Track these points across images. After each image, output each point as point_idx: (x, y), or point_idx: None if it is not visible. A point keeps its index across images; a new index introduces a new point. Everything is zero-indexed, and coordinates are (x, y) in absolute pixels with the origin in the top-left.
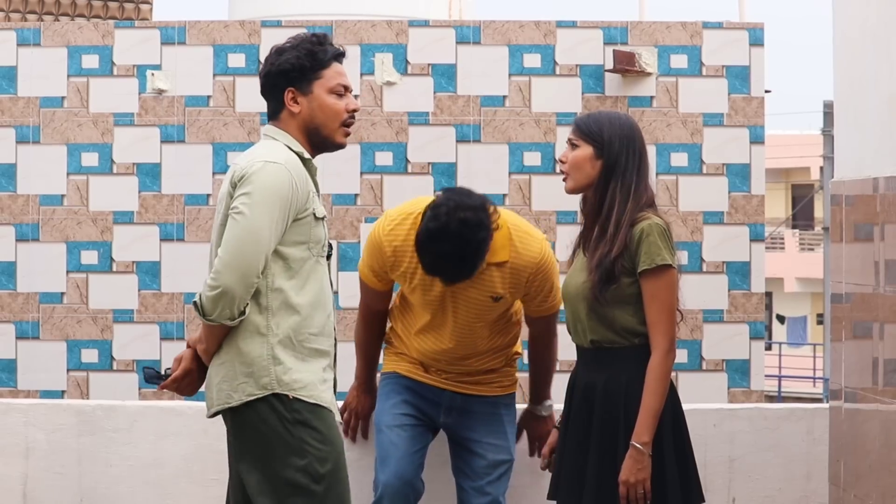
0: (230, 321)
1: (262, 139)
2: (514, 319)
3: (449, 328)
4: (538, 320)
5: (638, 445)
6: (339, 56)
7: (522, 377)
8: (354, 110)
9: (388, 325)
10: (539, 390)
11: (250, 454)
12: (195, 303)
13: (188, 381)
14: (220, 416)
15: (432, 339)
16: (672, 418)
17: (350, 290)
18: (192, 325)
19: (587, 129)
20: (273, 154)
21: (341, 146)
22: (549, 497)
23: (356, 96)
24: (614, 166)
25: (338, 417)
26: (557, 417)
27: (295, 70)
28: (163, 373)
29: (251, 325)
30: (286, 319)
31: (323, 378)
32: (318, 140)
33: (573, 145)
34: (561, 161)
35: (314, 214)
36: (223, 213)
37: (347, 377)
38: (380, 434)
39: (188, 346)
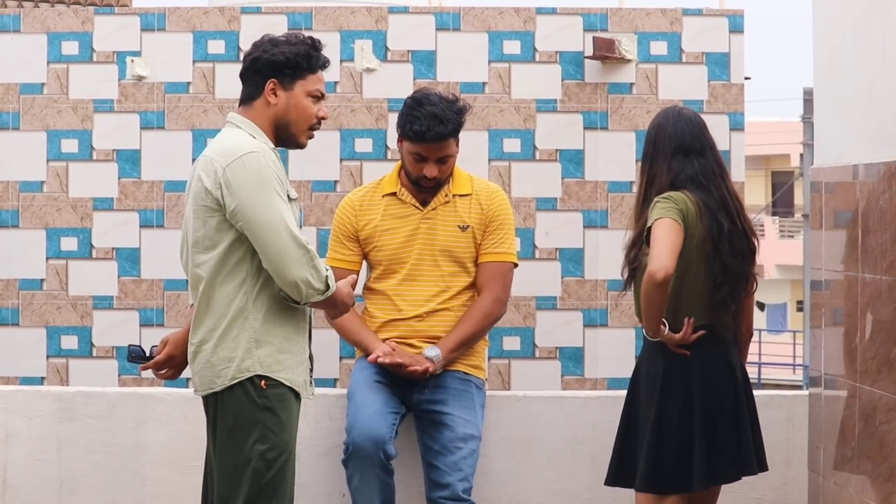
0: (321, 296)
1: (226, 126)
2: (471, 284)
3: (418, 268)
4: (486, 267)
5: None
6: (326, 65)
7: (501, 363)
8: (323, 118)
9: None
10: (446, 338)
11: (225, 437)
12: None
13: (169, 365)
14: (199, 400)
15: (407, 302)
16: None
17: None
18: (172, 312)
19: None
20: (242, 144)
21: (302, 146)
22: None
23: (335, 83)
24: (643, 159)
25: (307, 395)
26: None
27: (287, 65)
28: (148, 353)
29: (233, 308)
30: (268, 299)
31: (300, 360)
32: (285, 135)
33: None
34: None
35: (288, 195)
36: (194, 206)
37: (328, 363)
38: (351, 401)
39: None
